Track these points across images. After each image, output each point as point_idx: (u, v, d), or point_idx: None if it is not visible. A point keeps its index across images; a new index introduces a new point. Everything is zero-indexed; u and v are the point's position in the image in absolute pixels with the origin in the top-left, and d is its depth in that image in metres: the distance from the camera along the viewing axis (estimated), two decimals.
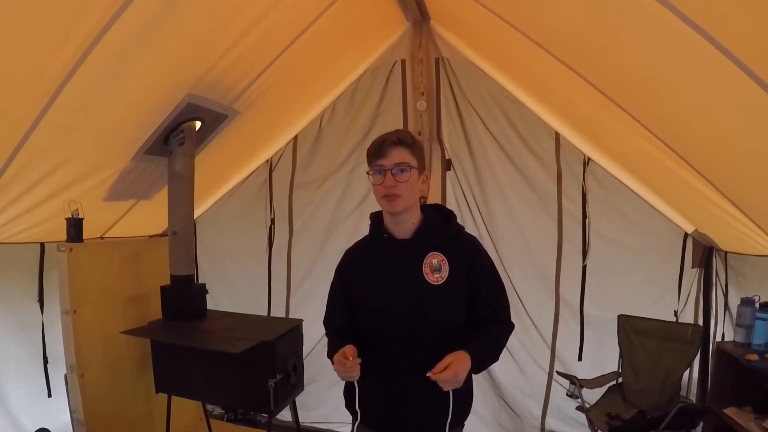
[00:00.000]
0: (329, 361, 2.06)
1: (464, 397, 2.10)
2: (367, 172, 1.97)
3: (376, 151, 1.90)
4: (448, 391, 1.97)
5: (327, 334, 2.16)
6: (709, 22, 1.69)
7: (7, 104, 2.31)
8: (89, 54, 2.25)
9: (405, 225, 1.98)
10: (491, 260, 2.08)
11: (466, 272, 1.96)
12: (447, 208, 2.18)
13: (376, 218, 2.10)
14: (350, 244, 2.21)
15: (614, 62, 2.49)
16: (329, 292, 2.17)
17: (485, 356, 1.89)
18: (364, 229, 2.20)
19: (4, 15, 1.88)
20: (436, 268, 1.94)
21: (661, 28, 1.86)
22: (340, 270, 2.15)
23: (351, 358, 1.79)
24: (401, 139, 1.90)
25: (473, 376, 2.14)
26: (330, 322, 2.14)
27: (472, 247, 2.06)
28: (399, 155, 1.88)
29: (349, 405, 2.14)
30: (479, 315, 1.98)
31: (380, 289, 1.95)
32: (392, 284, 1.94)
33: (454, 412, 2.02)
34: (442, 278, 1.93)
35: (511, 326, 2.10)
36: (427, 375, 1.72)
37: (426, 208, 2.07)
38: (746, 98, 1.88)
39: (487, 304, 2.00)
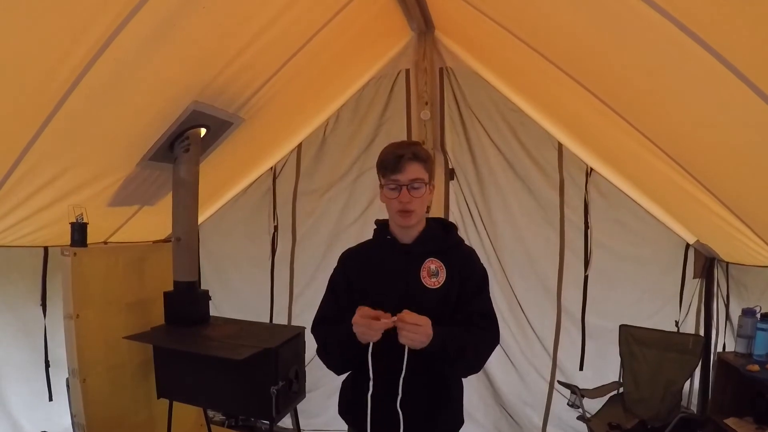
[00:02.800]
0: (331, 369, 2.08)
1: (455, 403, 2.11)
2: (381, 186, 1.98)
3: (393, 166, 1.91)
4: (444, 393, 2.00)
5: (319, 328, 2.09)
6: (712, 35, 1.70)
7: (15, 108, 2.32)
8: (97, 59, 2.26)
9: (410, 232, 2.01)
10: (485, 273, 2.09)
11: (460, 281, 1.98)
12: (449, 221, 2.22)
13: (382, 224, 2.13)
14: None
15: (617, 73, 2.51)
16: (329, 285, 2.14)
17: (449, 341, 1.81)
18: (367, 238, 2.21)
19: (13, 20, 1.89)
20: (433, 273, 1.96)
21: (664, 40, 1.88)
22: (342, 260, 2.16)
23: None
24: (417, 154, 1.92)
25: (470, 384, 2.15)
26: (328, 315, 2.08)
27: (469, 258, 2.08)
28: (415, 171, 1.90)
29: (343, 412, 2.17)
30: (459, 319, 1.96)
31: (377, 287, 1.97)
32: (389, 284, 1.96)
33: (447, 418, 2.04)
34: (439, 283, 1.95)
35: (492, 334, 2.03)
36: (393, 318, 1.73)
37: (429, 220, 2.10)
38: (747, 109, 1.90)
39: (466, 310, 1.97)
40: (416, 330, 1.73)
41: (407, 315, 1.74)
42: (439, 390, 2.01)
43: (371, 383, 1.86)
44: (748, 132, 2.08)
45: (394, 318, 1.73)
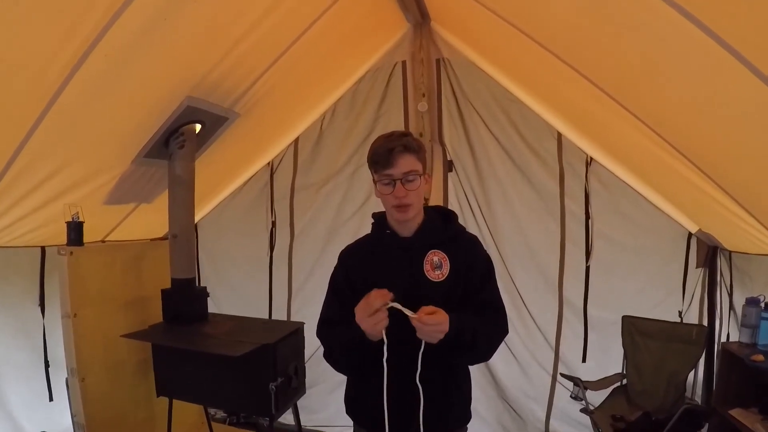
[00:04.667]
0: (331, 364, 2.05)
1: (466, 398, 2.08)
2: (374, 181, 1.94)
3: (384, 160, 1.86)
4: (452, 388, 1.97)
5: (324, 331, 2.06)
6: (713, 19, 1.68)
7: (7, 107, 2.30)
8: (88, 56, 2.24)
9: (409, 225, 1.98)
10: (490, 261, 2.07)
11: (465, 271, 1.95)
12: (448, 209, 2.17)
13: (380, 217, 2.09)
14: None
15: (616, 60, 2.48)
16: (330, 285, 2.11)
17: (463, 329, 1.79)
18: (365, 232, 2.18)
19: (3, 17, 1.87)
20: (437, 266, 1.93)
21: (664, 25, 1.85)
22: (342, 258, 2.12)
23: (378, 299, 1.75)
24: (408, 145, 1.87)
25: (472, 377, 2.13)
26: (332, 316, 2.04)
27: (472, 246, 2.05)
28: (407, 163, 1.86)
29: (350, 410, 2.13)
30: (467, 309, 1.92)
31: (380, 284, 1.88)
32: (393, 279, 1.90)
33: (457, 413, 2.01)
34: (443, 275, 1.93)
35: (502, 323, 2.02)
36: (413, 316, 1.71)
37: (428, 210, 2.07)
38: (750, 96, 1.87)
39: (474, 301, 1.95)
40: (437, 330, 1.71)
41: (426, 317, 1.70)
42: (450, 383, 1.99)
43: (385, 367, 1.82)
44: (750, 118, 2.05)
45: (413, 316, 1.70)
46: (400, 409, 1.88)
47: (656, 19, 1.85)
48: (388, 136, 1.93)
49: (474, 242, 2.08)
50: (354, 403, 2.12)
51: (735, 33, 1.67)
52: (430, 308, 1.72)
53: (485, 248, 2.11)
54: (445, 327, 1.72)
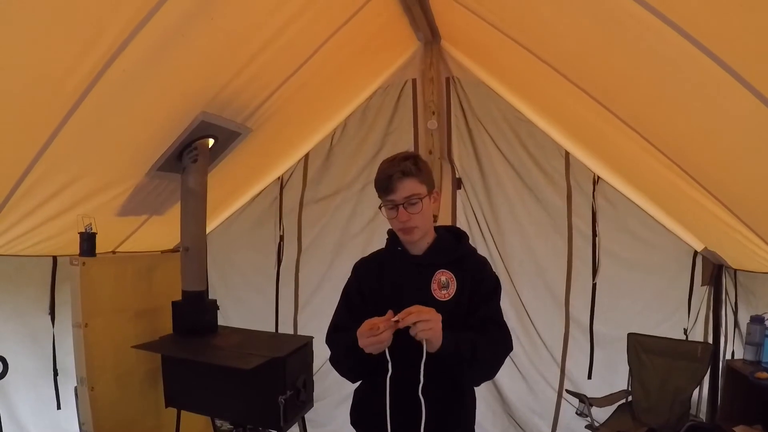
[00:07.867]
0: (339, 378, 2.06)
1: (469, 418, 2.09)
2: (380, 207, 1.97)
3: (385, 186, 1.89)
4: (456, 406, 1.97)
5: (332, 338, 2.07)
6: (714, 41, 1.71)
7: (24, 118, 2.33)
8: (106, 71, 2.28)
9: (420, 244, 2.00)
10: (497, 282, 2.06)
11: (471, 291, 1.96)
12: (460, 230, 2.18)
13: (394, 234, 2.09)
14: None
15: (622, 82, 2.52)
16: (343, 293, 2.12)
17: (461, 342, 1.77)
18: (373, 248, 2.20)
19: (22, 32, 1.91)
20: (444, 285, 1.94)
21: (669, 48, 1.88)
22: (356, 268, 2.15)
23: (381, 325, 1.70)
24: (406, 171, 1.88)
25: (479, 393, 2.13)
26: (342, 324, 2.04)
27: (481, 267, 2.05)
28: (407, 188, 1.87)
29: (355, 423, 2.14)
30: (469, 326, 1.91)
31: (388, 299, 1.90)
32: (400, 296, 1.91)
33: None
34: (449, 295, 1.93)
35: (504, 339, 1.97)
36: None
37: (439, 229, 2.09)
38: (751, 115, 1.90)
39: (476, 317, 1.93)
40: (426, 317, 1.68)
41: (413, 309, 1.69)
42: (454, 400, 1.98)
43: (390, 366, 1.79)
44: (753, 138, 2.08)
45: (395, 318, 1.68)
46: (402, 423, 1.88)
47: (662, 43, 1.88)
48: (390, 160, 1.96)
49: (483, 263, 2.08)
50: (358, 415, 2.14)
51: (737, 57, 1.70)
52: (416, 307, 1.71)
53: (492, 266, 2.12)
54: (436, 321, 1.70)
